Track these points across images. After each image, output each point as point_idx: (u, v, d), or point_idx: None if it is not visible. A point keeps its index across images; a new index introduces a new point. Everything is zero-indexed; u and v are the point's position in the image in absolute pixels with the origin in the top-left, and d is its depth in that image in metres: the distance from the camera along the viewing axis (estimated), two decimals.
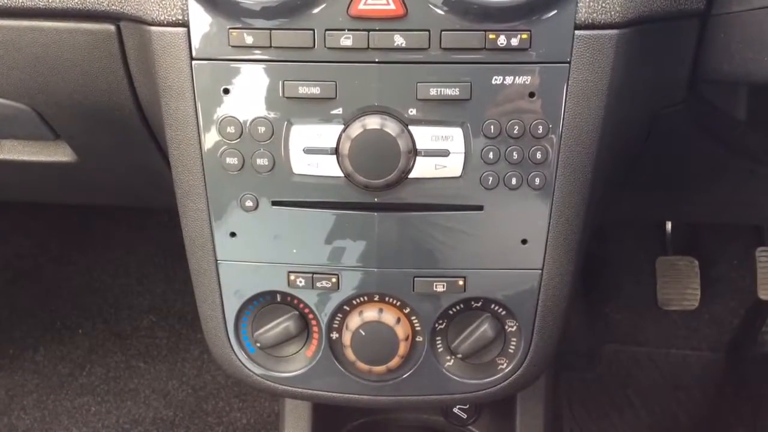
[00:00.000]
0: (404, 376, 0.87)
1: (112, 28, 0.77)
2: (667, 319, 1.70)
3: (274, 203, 0.78)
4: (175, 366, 1.77)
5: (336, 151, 0.74)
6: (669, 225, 1.69)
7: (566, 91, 0.72)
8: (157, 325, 1.83)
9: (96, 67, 0.82)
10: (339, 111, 0.74)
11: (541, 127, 0.73)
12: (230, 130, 0.75)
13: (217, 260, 0.83)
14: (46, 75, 0.84)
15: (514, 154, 0.75)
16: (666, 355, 1.67)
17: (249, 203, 0.79)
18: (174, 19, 0.72)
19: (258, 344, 0.87)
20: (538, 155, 0.75)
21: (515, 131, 0.74)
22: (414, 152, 0.74)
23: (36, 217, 1.92)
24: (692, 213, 1.20)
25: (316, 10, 0.70)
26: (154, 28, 0.74)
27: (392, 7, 0.70)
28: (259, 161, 0.76)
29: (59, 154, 0.98)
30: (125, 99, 0.84)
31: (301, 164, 0.76)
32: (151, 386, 1.74)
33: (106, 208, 1.82)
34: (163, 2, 0.73)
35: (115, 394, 1.73)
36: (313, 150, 0.75)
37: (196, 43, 0.73)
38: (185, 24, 0.72)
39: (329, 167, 0.75)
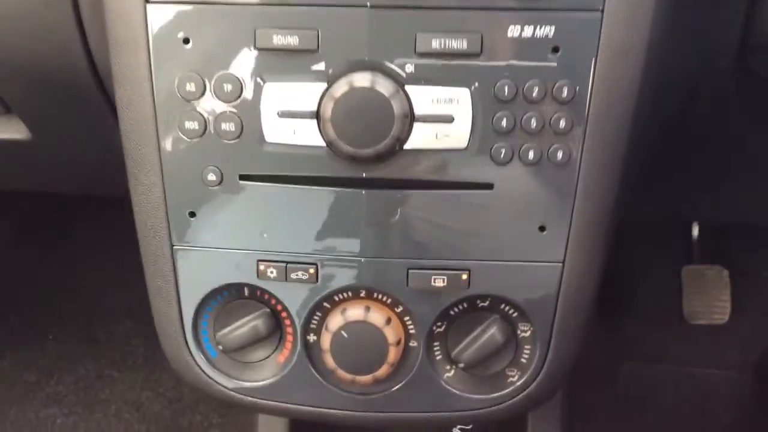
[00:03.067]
0: (394, 388, 0.74)
1: None
2: (691, 335, 1.56)
3: (242, 177, 0.67)
4: (151, 376, 1.64)
5: (317, 114, 0.64)
6: (696, 230, 1.55)
7: (598, 45, 0.62)
8: (134, 331, 1.70)
9: (46, 20, 0.72)
10: (321, 66, 0.64)
11: (565, 89, 0.63)
12: (190, 87, 0.65)
13: (172, 246, 0.71)
14: None
15: (533, 121, 0.64)
16: (689, 375, 1.52)
17: (211, 177, 0.68)
18: None
19: (221, 347, 0.74)
20: (562, 124, 0.64)
21: (534, 94, 0.63)
22: (411, 117, 0.64)
23: (5, 212, 1.80)
24: (726, 211, 1.07)
25: None
26: None
27: None
28: (225, 126, 0.66)
29: (11, 130, 0.89)
30: (78, 59, 0.74)
31: (275, 130, 0.65)
32: (124, 397, 1.61)
33: (81, 203, 1.70)
34: None
35: (85, 405, 1.60)
36: (290, 113, 0.65)
37: None
38: None
39: (308, 134, 0.65)
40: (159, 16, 0.64)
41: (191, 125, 0.66)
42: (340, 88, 0.62)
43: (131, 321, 1.71)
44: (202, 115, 0.66)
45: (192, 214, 0.70)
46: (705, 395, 1.51)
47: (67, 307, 1.74)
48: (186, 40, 0.64)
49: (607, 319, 1.56)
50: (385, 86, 0.62)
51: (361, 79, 0.62)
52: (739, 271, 1.53)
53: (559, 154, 0.65)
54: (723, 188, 0.99)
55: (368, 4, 0.62)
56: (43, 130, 0.88)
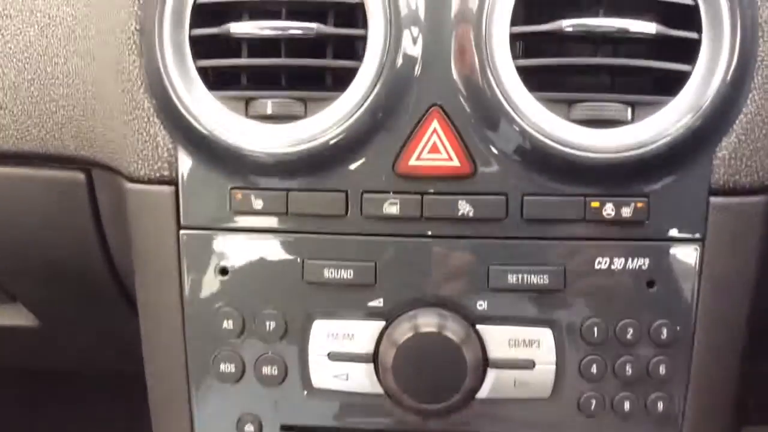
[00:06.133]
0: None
1: (80, 176, 0.65)
2: None
3: (284, 428, 0.60)
4: None
5: (374, 358, 0.57)
6: None
7: (699, 279, 0.56)
8: None
9: (60, 221, 0.67)
10: (379, 303, 0.57)
11: (665, 329, 0.57)
12: (227, 325, 0.59)
13: None
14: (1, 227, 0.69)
15: (627, 367, 0.57)
16: None
17: (249, 428, 0.60)
18: (158, 174, 0.58)
19: None
20: (662, 370, 0.57)
21: (629, 335, 0.57)
22: (485, 363, 0.57)
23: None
24: None
25: (351, 166, 0.56)
26: (130, 186, 0.59)
27: (455, 162, 0.55)
28: (266, 370, 0.59)
29: (19, 317, 0.82)
30: (95, 261, 0.68)
31: (325, 375, 0.58)
32: None
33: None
34: (144, 152, 0.57)
35: None
36: (342, 356, 0.58)
37: (186, 207, 0.58)
38: (173, 182, 0.58)
39: (364, 381, 0.58)
40: (194, 244, 0.58)
41: (227, 368, 0.59)
42: (402, 330, 0.56)
43: None
44: (240, 356, 0.59)
45: None
46: None
47: None
48: (224, 271, 0.58)
49: None
50: (455, 330, 0.56)
51: (427, 322, 0.56)
52: None
53: (660, 405, 0.58)
54: None
55: (431, 233, 0.56)
56: (50, 320, 0.81)
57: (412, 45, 0.54)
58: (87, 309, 0.79)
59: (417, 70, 0.54)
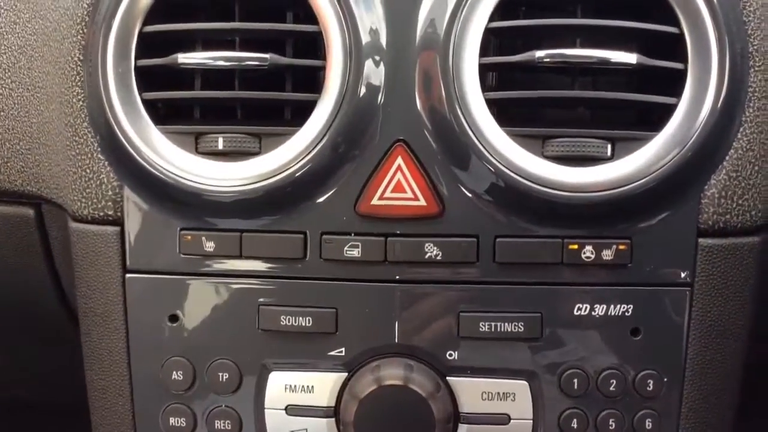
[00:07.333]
0: None
1: (30, 211, 0.62)
2: None
3: None
4: None
5: (335, 413, 0.54)
6: None
7: (689, 326, 0.54)
8: None
9: (10, 257, 0.64)
10: (340, 353, 0.54)
11: (651, 381, 0.54)
12: (177, 376, 0.56)
13: None
14: None
15: (611, 422, 0.54)
16: None
17: None
18: (102, 214, 0.55)
19: None
20: (648, 425, 0.54)
21: (612, 387, 0.54)
22: (455, 418, 0.54)
23: None
24: None
25: (310, 206, 0.52)
26: (74, 225, 0.56)
27: (421, 202, 0.52)
28: (219, 424, 0.56)
29: None
30: (48, 298, 0.65)
31: (282, 430, 0.56)
32: None
33: None
34: (88, 190, 0.54)
35: None
36: (301, 410, 0.55)
37: (132, 249, 0.55)
38: (118, 222, 0.55)
39: None
40: (140, 289, 0.55)
41: (177, 422, 0.56)
42: (365, 383, 0.53)
43: None
44: (191, 410, 0.56)
45: None
46: None
47: None
48: (173, 318, 0.55)
49: None
50: (421, 383, 0.53)
51: (391, 373, 0.53)
52: None
53: None
54: None
55: (398, 277, 0.53)
56: (8, 353, 0.79)
57: (373, 75, 0.50)
58: (44, 344, 0.76)
59: (380, 101, 0.51)
